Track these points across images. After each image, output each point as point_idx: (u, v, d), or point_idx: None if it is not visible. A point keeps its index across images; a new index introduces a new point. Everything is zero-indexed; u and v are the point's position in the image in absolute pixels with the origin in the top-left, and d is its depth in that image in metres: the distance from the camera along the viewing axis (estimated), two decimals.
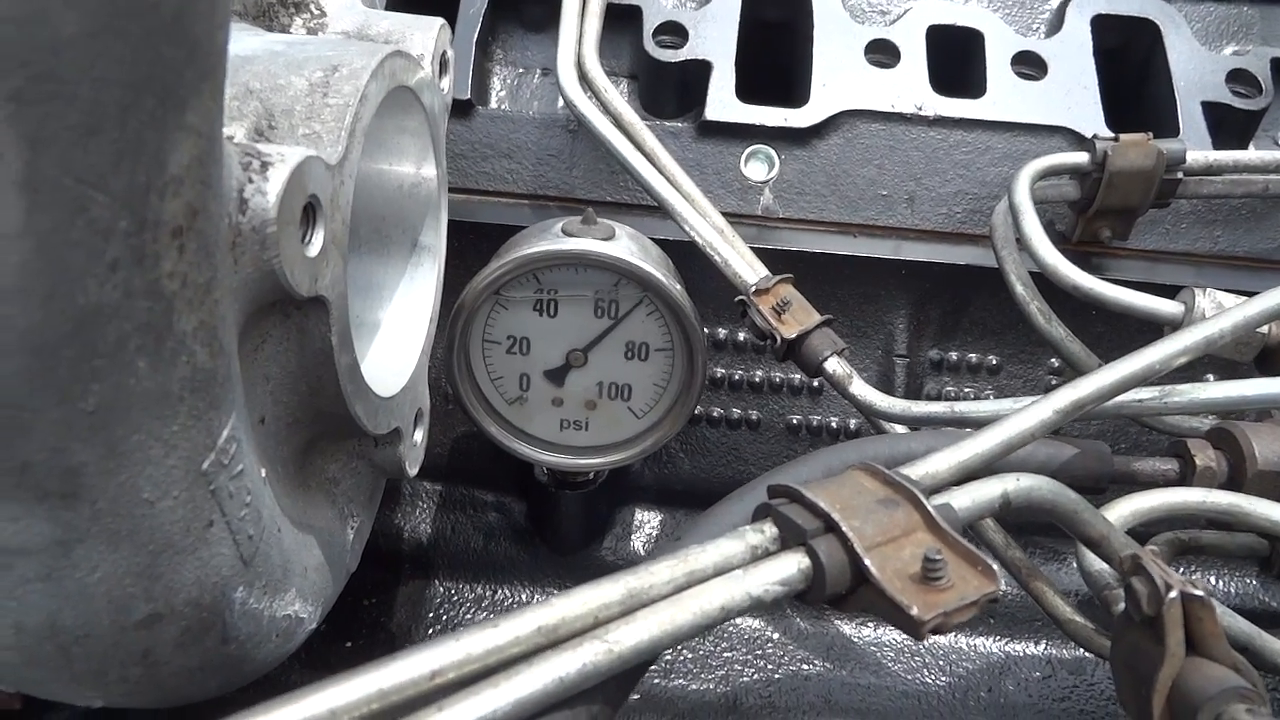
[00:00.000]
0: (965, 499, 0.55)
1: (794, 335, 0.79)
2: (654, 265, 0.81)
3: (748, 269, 0.84)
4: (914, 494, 0.52)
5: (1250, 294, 0.77)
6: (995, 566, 0.95)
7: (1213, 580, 1.00)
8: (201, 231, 0.39)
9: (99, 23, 0.30)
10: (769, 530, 0.51)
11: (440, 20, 0.74)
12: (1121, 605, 0.57)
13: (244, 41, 0.58)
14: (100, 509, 0.39)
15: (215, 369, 0.42)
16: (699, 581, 0.48)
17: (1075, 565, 0.72)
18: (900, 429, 0.82)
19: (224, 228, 0.42)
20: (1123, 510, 0.67)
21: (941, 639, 0.97)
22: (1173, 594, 0.51)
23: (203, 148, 0.37)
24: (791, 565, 0.49)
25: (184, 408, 0.41)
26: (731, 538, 0.50)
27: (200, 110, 0.37)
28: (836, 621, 0.97)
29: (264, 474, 0.51)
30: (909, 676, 0.94)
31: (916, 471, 0.57)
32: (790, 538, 0.50)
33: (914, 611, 0.46)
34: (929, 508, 0.51)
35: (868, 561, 0.48)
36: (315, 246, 0.51)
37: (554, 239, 0.81)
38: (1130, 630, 0.55)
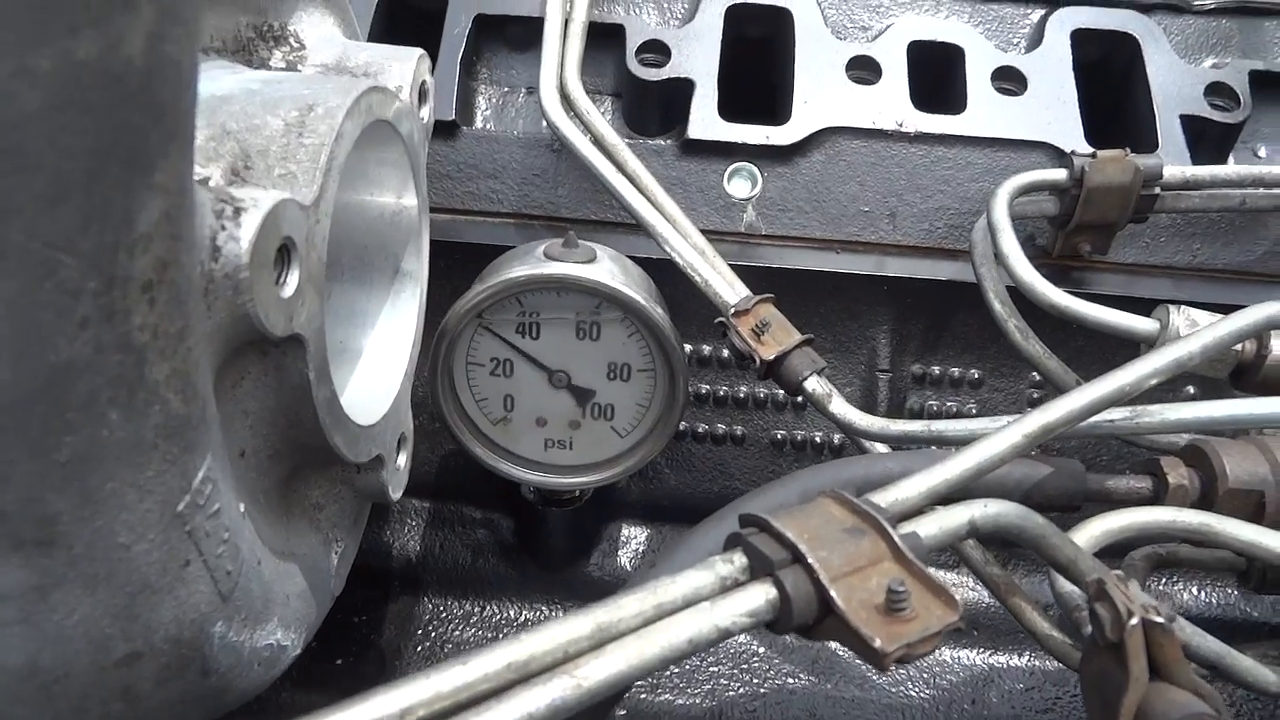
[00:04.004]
0: (933, 527, 0.56)
1: (773, 357, 0.80)
2: (635, 289, 0.82)
3: (728, 289, 0.85)
4: (881, 524, 0.53)
5: (1229, 305, 0.78)
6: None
7: (1194, 590, 1.01)
8: (172, 283, 0.40)
9: (63, 97, 0.31)
10: (738, 560, 0.52)
11: (419, 51, 0.75)
12: (1090, 627, 0.58)
13: (221, 80, 0.59)
14: (77, 554, 0.40)
15: (189, 414, 0.43)
16: (668, 614, 0.49)
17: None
18: (881, 446, 0.83)
19: (196, 276, 0.43)
20: (1094, 530, 0.68)
21: None
22: (1134, 621, 0.52)
23: (171, 203, 0.38)
24: (759, 596, 0.50)
25: (158, 454, 0.42)
26: (701, 568, 0.51)
27: (168, 169, 0.38)
28: None
29: (243, 509, 0.52)
30: (893, 689, 0.95)
31: (886, 498, 0.58)
32: (759, 568, 0.51)
33: (877, 644, 0.47)
34: (895, 538, 0.52)
35: (833, 593, 0.49)
36: (290, 287, 0.52)
37: (536, 263, 0.82)
38: (1097, 654, 0.56)
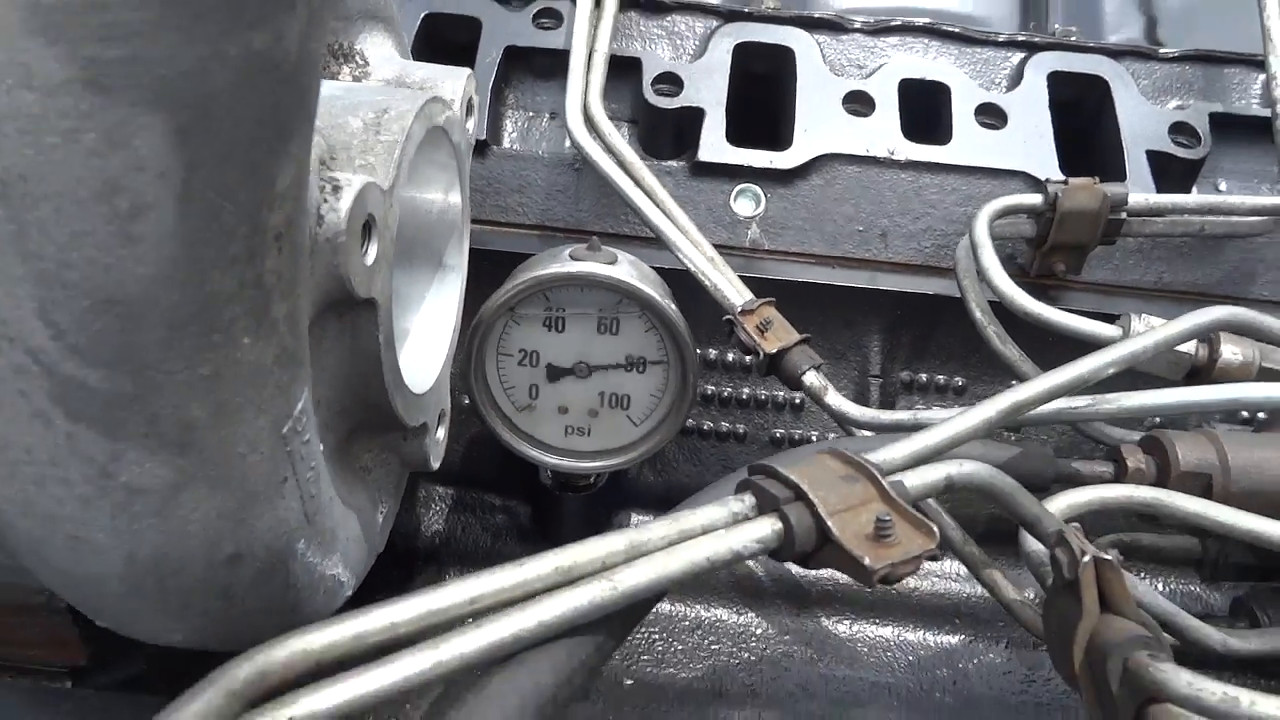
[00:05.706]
0: (915, 479, 0.65)
1: (775, 350, 0.89)
2: (651, 286, 0.91)
3: (735, 293, 0.94)
4: (871, 471, 0.61)
5: None
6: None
7: (1158, 586, 1.09)
8: (293, 237, 0.49)
9: (242, 76, 0.40)
10: (749, 500, 0.61)
11: (468, 70, 0.85)
12: (1052, 578, 0.66)
13: None
14: (206, 458, 0.49)
15: (297, 349, 0.52)
16: (689, 539, 0.57)
17: (1025, 566, 0.81)
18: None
19: (308, 236, 0.52)
20: (1059, 504, 0.76)
21: (910, 635, 1.06)
22: (1086, 558, 0.60)
23: (299, 170, 0.47)
24: (766, 527, 0.58)
25: (272, 379, 0.50)
26: (717, 505, 0.60)
27: (300, 142, 0.47)
28: (816, 617, 1.06)
29: (322, 447, 0.61)
30: (881, 668, 1.03)
31: (875, 457, 0.66)
32: (766, 505, 0.60)
33: (866, 561, 0.55)
34: (883, 483, 0.60)
35: (830, 524, 0.57)
36: (370, 256, 0.61)
37: (564, 262, 0.91)
38: (1057, 595, 0.64)
